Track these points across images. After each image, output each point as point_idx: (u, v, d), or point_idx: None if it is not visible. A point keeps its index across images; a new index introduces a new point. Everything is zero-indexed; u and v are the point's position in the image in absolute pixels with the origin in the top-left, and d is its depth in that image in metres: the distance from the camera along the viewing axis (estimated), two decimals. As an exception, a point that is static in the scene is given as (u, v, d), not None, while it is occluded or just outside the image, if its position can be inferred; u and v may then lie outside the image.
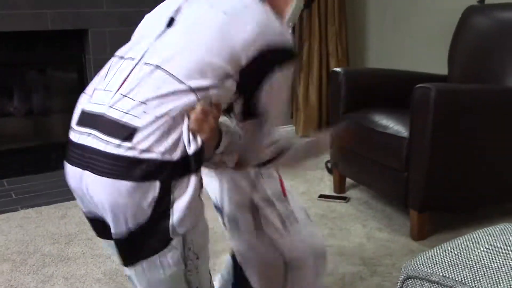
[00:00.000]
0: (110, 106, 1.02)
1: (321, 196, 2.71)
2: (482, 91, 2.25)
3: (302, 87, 3.82)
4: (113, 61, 1.14)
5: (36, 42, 2.95)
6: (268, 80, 1.12)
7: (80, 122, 1.07)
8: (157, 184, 0.98)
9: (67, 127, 3.39)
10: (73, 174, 1.07)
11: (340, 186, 2.77)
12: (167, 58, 1.04)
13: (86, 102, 1.10)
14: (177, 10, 1.14)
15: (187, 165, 1.00)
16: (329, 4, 3.78)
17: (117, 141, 0.97)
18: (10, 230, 2.40)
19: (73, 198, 2.68)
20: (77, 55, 3.07)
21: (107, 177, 0.98)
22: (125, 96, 1.01)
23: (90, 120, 1.05)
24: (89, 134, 1.02)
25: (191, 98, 1.01)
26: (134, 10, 3.02)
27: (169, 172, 0.99)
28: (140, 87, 1.01)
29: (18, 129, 3.14)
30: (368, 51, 4.17)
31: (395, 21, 3.86)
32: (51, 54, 3.03)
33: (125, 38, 3.18)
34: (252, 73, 1.09)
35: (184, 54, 1.05)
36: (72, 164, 1.06)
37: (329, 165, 2.99)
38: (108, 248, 1.15)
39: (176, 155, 0.99)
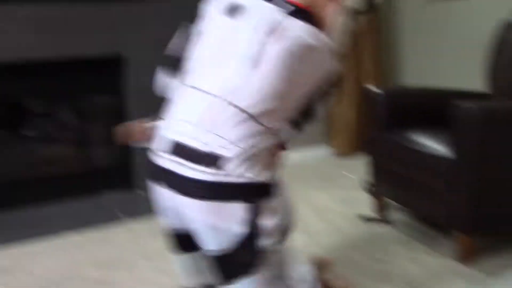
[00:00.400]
0: (196, 138, 1.14)
1: (361, 217, 2.66)
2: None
3: (339, 106, 3.80)
4: (187, 91, 1.24)
5: (77, 68, 3.02)
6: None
7: (167, 150, 1.19)
8: (248, 205, 1.12)
9: (108, 152, 3.45)
10: (165, 195, 1.21)
11: (380, 207, 2.71)
12: (244, 97, 1.15)
13: (170, 130, 1.21)
14: (245, 43, 1.19)
15: (271, 189, 1.16)
16: (363, 22, 3.77)
17: (212, 170, 1.11)
18: (53, 254, 2.44)
19: (114, 222, 2.72)
20: (117, 81, 3.13)
21: (205, 200, 1.12)
22: (210, 131, 1.14)
23: (177, 149, 1.16)
24: (179, 163, 1.15)
25: (268, 136, 1.17)
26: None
27: (258, 194, 1.14)
28: (223, 123, 1.14)
29: (61, 154, 3.21)
30: (404, 68, 4.12)
31: (429, 37, 3.82)
32: (93, 81, 3.10)
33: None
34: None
35: (260, 95, 1.15)
36: (163, 187, 1.20)
37: (368, 185, 2.94)
38: (181, 264, 1.31)
39: (262, 179, 1.14)
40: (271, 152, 1.20)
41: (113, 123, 3.18)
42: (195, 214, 1.14)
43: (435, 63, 3.81)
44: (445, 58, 3.71)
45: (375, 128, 2.62)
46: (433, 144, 2.25)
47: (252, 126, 1.14)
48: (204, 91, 1.19)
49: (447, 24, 3.63)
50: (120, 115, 3.19)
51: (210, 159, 1.10)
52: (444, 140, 2.21)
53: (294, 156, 3.69)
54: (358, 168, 3.50)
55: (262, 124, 1.15)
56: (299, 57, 1.17)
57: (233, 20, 1.23)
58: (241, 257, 1.15)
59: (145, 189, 3.11)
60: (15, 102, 3.05)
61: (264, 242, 1.15)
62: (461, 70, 3.54)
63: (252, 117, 1.13)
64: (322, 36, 1.22)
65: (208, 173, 1.11)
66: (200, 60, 1.29)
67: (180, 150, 1.15)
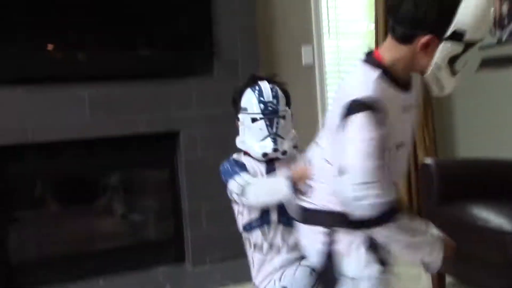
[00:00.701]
0: None
1: (419, 295, 2.53)
2: None
3: (390, 178, 3.73)
4: None
5: (131, 144, 3.13)
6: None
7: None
8: (326, 230, 1.34)
9: (159, 226, 3.48)
10: None
11: (439, 285, 2.58)
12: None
13: None
14: None
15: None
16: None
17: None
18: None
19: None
20: (169, 156, 3.21)
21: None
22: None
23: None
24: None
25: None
26: (223, 110, 3.16)
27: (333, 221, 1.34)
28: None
29: (113, 228, 3.27)
30: (457, 140, 4.04)
31: (485, 107, 3.76)
32: (145, 156, 3.19)
33: (214, 138, 3.32)
34: None
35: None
36: None
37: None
38: None
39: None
40: None
41: (165, 196, 3.27)
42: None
43: (490, 135, 3.72)
44: (502, 129, 3.62)
45: (429, 201, 2.55)
46: (493, 218, 2.15)
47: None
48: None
49: (504, 91, 3.57)
50: (173, 188, 3.25)
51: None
52: (505, 214, 2.11)
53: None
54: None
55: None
56: None
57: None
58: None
59: (195, 262, 3.11)
60: (75, 178, 3.18)
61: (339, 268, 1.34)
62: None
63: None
64: None
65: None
66: None
67: None
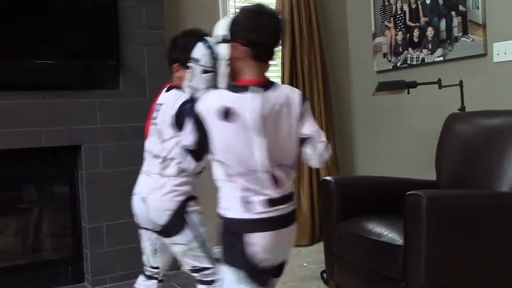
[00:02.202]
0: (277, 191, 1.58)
1: (318, 308, 2.61)
2: (472, 197, 2.27)
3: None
4: (238, 179, 1.56)
5: (29, 158, 2.98)
6: None
7: (271, 204, 1.57)
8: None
9: (57, 244, 3.32)
10: (272, 236, 1.55)
11: (337, 297, 2.68)
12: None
13: (256, 198, 1.56)
14: None
15: None
16: (316, 113, 3.92)
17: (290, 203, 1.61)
18: None
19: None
20: (69, 171, 3.09)
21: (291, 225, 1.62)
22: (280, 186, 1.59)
23: (270, 202, 1.57)
24: (276, 209, 1.57)
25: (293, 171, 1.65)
26: (127, 125, 3.10)
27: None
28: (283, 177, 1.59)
29: (7, 246, 3.07)
30: (357, 159, 4.25)
31: (381, 129, 3.99)
32: (44, 170, 3.05)
33: (117, 152, 3.25)
34: None
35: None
36: (270, 230, 1.55)
37: (324, 275, 2.91)
38: None
39: None
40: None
41: (64, 212, 3.13)
42: (289, 239, 1.65)
43: (389, 154, 3.95)
44: (399, 149, 3.86)
45: (328, 217, 2.65)
46: (386, 232, 2.28)
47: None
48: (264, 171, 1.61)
49: (400, 115, 3.82)
50: (72, 204, 3.12)
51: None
52: (397, 228, 2.25)
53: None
54: (315, 257, 3.49)
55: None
56: None
57: None
58: None
59: (95, 283, 3.00)
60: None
61: None
62: (415, 160, 3.68)
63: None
64: None
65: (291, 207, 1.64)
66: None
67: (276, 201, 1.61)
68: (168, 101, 1.95)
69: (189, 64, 1.80)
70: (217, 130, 1.54)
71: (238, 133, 1.53)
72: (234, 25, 1.62)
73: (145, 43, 3.17)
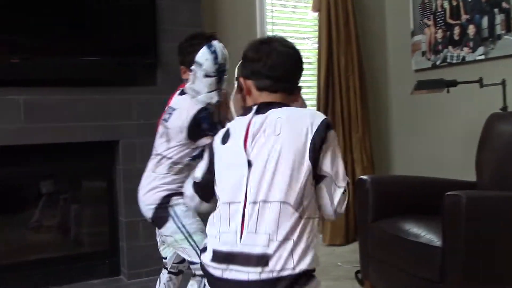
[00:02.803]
0: (241, 243, 1.27)
1: (352, 309, 2.58)
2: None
3: (328, 194, 3.81)
4: (221, 208, 1.36)
5: (68, 153, 3.05)
6: None
7: (217, 260, 1.30)
8: None
9: (95, 238, 3.40)
10: None
11: (372, 298, 2.65)
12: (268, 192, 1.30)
13: (216, 243, 1.32)
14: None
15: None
16: (352, 112, 3.87)
17: (258, 269, 1.23)
18: None
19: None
20: (107, 166, 3.14)
21: None
22: (250, 232, 1.27)
23: (225, 257, 1.28)
24: (230, 269, 1.27)
25: (296, 216, 1.28)
26: (164, 122, 3.13)
27: (302, 281, 1.24)
28: (261, 221, 1.27)
29: (46, 239, 3.15)
30: (393, 158, 4.19)
31: (419, 128, 3.92)
32: (82, 165, 3.11)
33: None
34: None
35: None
36: None
37: (359, 275, 2.88)
38: None
39: (304, 267, 1.25)
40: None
41: (102, 207, 3.19)
42: None
43: (426, 154, 3.88)
44: (437, 149, 3.78)
45: (364, 216, 2.62)
46: (424, 233, 2.23)
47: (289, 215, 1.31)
48: (236, 202, 1.35)
49: (438, 114, 3.74)
50: (110, 199, 3.18)
51: (255, 260, 1.26)
52: (435, 229, 2.20)
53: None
54: (349, 257, 3.45)
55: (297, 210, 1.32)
56: None
57: None
58: None
59: (131, 276, 3.04)
60: (7, 185, 3.04)
61: None
62: (454, 160, 3.60)
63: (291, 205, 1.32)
64: None
65: (254, 273, 1.25)
66: (222, 179, 1.47)
67: (225, 258, 1.32)
68: (181, 110, 1.97)
69: (192, 67, 1.83)
70: (217, 155, 1.43)
71: (228, 155, 1.39)
72: (242, 60, 1.54)
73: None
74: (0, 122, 2.75)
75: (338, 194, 1.36)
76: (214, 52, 1.86)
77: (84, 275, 3.07)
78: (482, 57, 3.34)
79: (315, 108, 3.86)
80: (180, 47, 2.09)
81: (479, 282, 2.04)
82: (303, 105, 1.59)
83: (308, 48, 3.99)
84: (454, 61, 3.55)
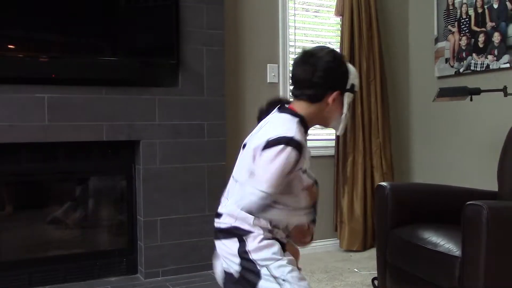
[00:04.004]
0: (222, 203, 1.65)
1: (368, 316, 2.57)
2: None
3: (346, 200, 3.79)
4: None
5: (89, 151, 3.09)
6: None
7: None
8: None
9: (113, 236, 3.43)
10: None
11: (388, 306, 2.62)
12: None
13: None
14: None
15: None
16: (373, 117, 3.85)
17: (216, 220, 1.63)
18: None
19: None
20: (127, 165, 3.18)
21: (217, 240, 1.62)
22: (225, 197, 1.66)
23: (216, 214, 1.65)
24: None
25: None
26: (184, 122, 3.16)
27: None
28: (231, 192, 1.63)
29: (66, 235, 3.20)
30: (413, 165, 4.15)
31: (440, 136, 3.88)
32: (103, 164, 3.15)
33: (174, 149, 3.32)
34: None
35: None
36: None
37: (376, 282, 2.86)
38: None
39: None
40: None
41: (121, 205, 3.23)
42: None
43: (447, 162, 3.84)
44: (458, 157, 3.74)
45: (382, 223, 2.60)
46: (443, 242, 2.21)
47: None
48: None
49: (461, 121, 3.70)
50: (129, 198, 3.21)
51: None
52: (454, 239, 2.18)
53: (300, 248, 3.64)
54: (366, 263, 3.43)
55: None
56: None
57: None
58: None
59: (148, 275, 3.07)
60: (29, 182, 3.09)
61: None
62: (476, 170, 3.56)
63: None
64: None
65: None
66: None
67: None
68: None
69: None
70: None
71: None
72: None
73: (204, 43, 3.22)
74: (25, 120, 2.79)
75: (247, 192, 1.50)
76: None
77: (102, 272, 3.11)
78: (507, 65, 3.29)
79: (336, 112, 3.84)
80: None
81: (498, 293, 2.01)
82: (337, 111, 1.65)
83: (330, 53, 3.98)
84: (478, 69, 3.51)
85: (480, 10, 3.49)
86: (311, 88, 1.59)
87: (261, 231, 1.54)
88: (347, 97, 1.64)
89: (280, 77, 3.72)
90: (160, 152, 3.11)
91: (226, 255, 1.58)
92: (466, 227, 2.04)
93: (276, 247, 1.54)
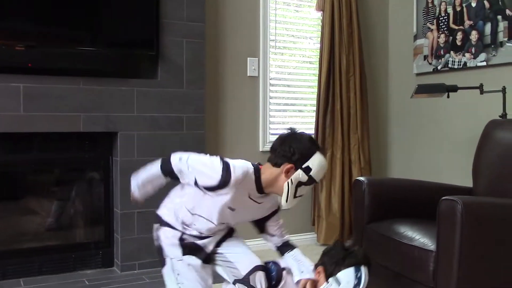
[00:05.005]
0: None
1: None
2: (509, 206, 2.20)
3: (324, 194, 3.81)
4: None
5: (65, 142, 3.04)
6: None
7: None
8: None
9: (89, 228, 3.39)
10: None
11: (364, 300, 2.65)
12: None
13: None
14: None
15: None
16: (352, 112, 3.88)
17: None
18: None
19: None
20: (104, 157, 3.14)
21: None
22: None
23: None
24: None
25: None
26: (162, 115, 3.14)
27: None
28: None
29: (40, 227, 3.15)
30: (391, 161, 4.19)
31: (418, 132, 3.92)
32: (79, 155, 3.11)
33: (152, 141, 3.28)
34: None
35: None
36: None
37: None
38: None
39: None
40: None
41: (97, 197, 3.19)
42: None
43: (424, 158, 3.89)
44: (434, 154, 3.79)
45: (359, 217, 2.62)
46: (418, 237, 2.24)
47: None
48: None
49: (437, 119, 3.75)
50: (106, 190, 3.17)
51: None
52: (429, 233, 2.21)
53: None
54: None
55: None
56: None
57: None
58: None
59: (124, 268, 3.04)
60: (3, 172, 3.03)
61: None
62: (451, 166, 3.61)
63: None
64: None
65: None
66: None
67: None
68: None
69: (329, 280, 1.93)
70: None
71: None
72: None
73: (185, 35, 3.20)
74: (0, 109, 2.75)
75: None
76: (357, 278, 1.88)
77: (77, 265, 3.08)
78: (484, 63, 3.34)
79: (315, 107, 3.86)
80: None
81: (472, 287, 2.05)
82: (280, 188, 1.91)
83: (310, 48, 3.99)
84: (456, 67, 3.55)
85: (458, 9, 3.53)
86: (277, 156, 1.91)
87: None
88: (300, 175, 1.86)
89: (261, 70, 3.71)
90: (138, 144, 3.08)
91: None
92: (441, 222, 2.07)
93: None
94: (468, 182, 2.77)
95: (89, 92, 2.96)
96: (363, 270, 1.86)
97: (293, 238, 3.80)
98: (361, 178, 2.67)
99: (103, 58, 3.05)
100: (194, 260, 1.99)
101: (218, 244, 2.06)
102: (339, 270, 1.87)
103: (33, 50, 2.82)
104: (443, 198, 2.07)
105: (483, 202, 2.22)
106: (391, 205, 2.61)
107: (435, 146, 3.76)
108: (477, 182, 2.71)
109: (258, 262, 1.99)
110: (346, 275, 1.84)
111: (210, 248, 2.03)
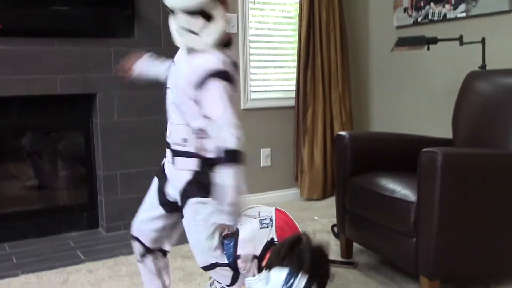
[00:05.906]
0: None
1: (327, 261, 2.64)
2: (488, 156, 2.24)
3: (306, 150, 3.84)
4: None
5: (43, 105, 2.99)
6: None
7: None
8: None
9: (73, 191, 3.38)
10: None
11: (347, 251, 2.71)
12: None
13: None
14: None
15: None
16: (333, 68, 3.86)
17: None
18: (10, 297, 2.34)
19: (75, 263, 2.63)
20: (84, 119, 3.10)
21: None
22: None
23: None
24: None
25: None
26: (142, 75, 3.08)
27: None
28: None
29: (22, 192, 3.13)
30: (372, 115, 4.21)
31: (398, 85, 3.93)
32: (59, 118, 3.07)
33: (131, 102, 3.26)
34: None
35: None
36: None
37: (335, 229, 2.94)
38: None
39: None
40: None
41: (79, 160, 3.17)
42: None
43: (405, 111, 3.91)
44: (415, 106, 3.81)
45: (341, 172, 2.65)
46: (399, 189, 2.27)
47: None
48: None
49: (418, 71, 3.75)
50: (87, 152, 3.15)
51: None
52: (410, 185, 2.24)
53: (262, 197, 3.69)
54: (326, 211, 3.52)
55: None
56: None
57: None
58: None
59: (109, 229, 3.06)
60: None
61: None
62: (432, 118, 3.64)
63: None
64: None
65: None
66: None
67: None
68: None
69: None
70: None
71: None
72: None
73: (161, -8, 3.12)
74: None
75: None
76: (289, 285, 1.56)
77: (62, 227, 3.08)
78: (463, 14, 3.33)
79: (296, 63, 3.83)
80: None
81: (452, 237, 2.10)
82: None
83: (290, 2, 3.93)
84: (436, 18, 3.53)
85: (438, -42, 3.48)
86: None
87: None
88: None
89: (240, 27, 3.65)
90: (117, 105, 3.05)
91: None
92: (421, 173, 2.10)
93: None
94: (448, 134, 2.80)
95: (64, 53, 2.89)
96: (299, 278, 1.56)
97: (277, 193, 3.87)
98: (343, 133, 2.68)
99: (77, 17, 2.96)
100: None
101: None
102: (276, 266, 1.60)
103: (4, 11, 2.73)
104: (423, 150, 2.09)
105: (463, 153, 2.25)
106: (373, 159, 2.64)
107: (416, 99, 3.78)
108: (457, 133, 2.74)
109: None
110: (278, 276, 1.57)
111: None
